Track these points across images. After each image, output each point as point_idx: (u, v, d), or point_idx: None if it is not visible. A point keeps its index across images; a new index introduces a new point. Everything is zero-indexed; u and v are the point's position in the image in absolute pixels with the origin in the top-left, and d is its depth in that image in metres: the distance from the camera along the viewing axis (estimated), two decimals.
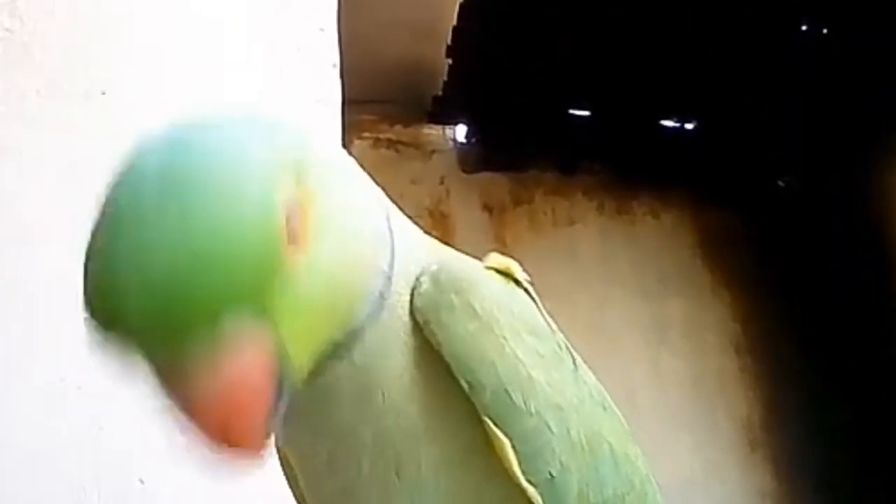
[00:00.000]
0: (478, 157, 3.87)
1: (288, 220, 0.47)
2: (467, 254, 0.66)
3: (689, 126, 4.03)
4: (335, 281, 0.52)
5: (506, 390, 0.58)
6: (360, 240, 0.56)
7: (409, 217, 0.64)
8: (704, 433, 3.71)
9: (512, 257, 0.65)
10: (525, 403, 0.58)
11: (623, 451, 0.66)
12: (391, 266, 0.58)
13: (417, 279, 0.60)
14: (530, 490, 0.58)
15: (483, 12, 3.17)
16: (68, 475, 1.06)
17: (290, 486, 0.74)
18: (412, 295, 0.59)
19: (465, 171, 3.84)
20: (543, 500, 0.59)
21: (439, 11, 3.25)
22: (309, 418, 0.59)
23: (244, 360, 0.46)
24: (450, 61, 3.45)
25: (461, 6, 3.17)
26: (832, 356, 3.88)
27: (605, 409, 0.67)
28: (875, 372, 3.84)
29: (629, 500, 0.65)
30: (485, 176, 3.86)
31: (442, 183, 3.78)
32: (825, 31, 3.36)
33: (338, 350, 0.55)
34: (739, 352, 3.95)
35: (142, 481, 1.08)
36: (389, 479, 0.59)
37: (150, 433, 1.10)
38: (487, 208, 3.81)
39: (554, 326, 0.66)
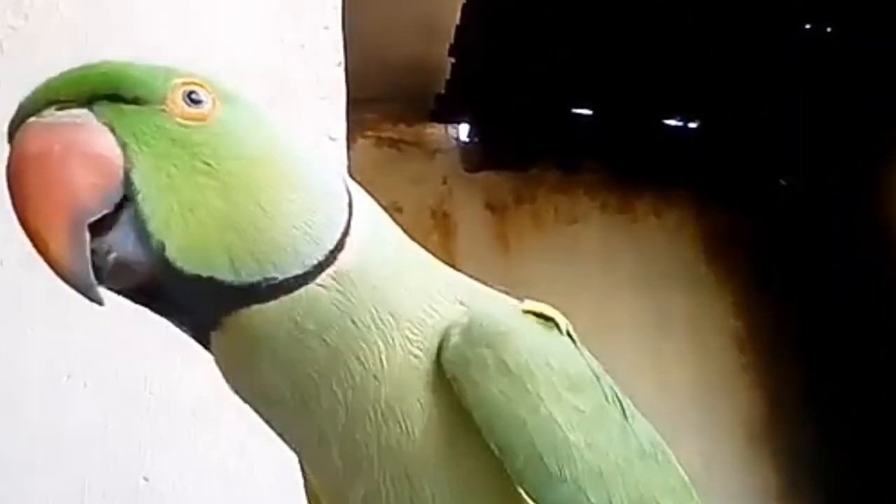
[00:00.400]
0: (480, 156, 3.87)
1: (191, 90, 0.54)
2: (481, 281, 0.63)
3: (691, 125, 4.03)
4: (235, 175, 0.53)
5: (540, 457, 0.53)
6: (284, 173, 0.55)
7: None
8: (706, 430, 3.71)
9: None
10: (560, 471, 0.53)
11: None
12: (339, 245, 0.55)
13: (447, 330, 0.56)
14: None
15: (486, 11, 3.17)
16: (74, 472, 1.06)
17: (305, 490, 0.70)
18: (440, 346, 0.56)
19: (467, 170, 3.84)
20: None
21: (442, 10, 3.26)
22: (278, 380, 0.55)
23: (68, 135, 0.50)
24: (453, 60, 3.46)
25: (464, 5, 3.18)
26: (833, 354, 3.88)
27: (658, 462, 0.61)
28: (875, 369, 3.84)
29: None
30: (487, 175, 3.86)
31: (445, 182, 3.78)
32: (828, 30, 3.36)
33: (246, 285, 0.52)
34: (741, 350, 3.95)
35: (146, 479, 1.08)
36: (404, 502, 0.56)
37: (156, 432, 1.10)
38: (490, 207, 3.81)
39: (600, 372, 0.61)
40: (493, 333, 0.55)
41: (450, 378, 0.55)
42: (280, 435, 0.60)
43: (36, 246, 0.49)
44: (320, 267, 0.54)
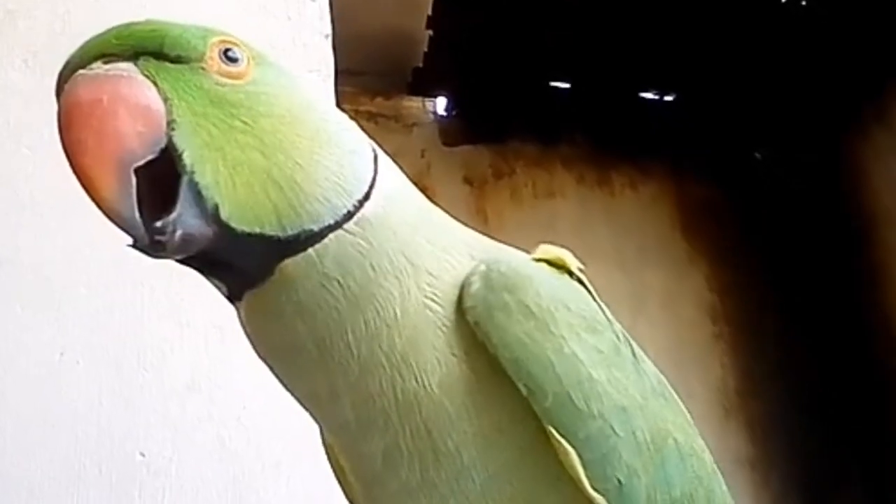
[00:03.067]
0: (458, 130, 3.86)
1: (228, 48, 0.56)
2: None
3: (667, 98, 4.05)
4: (272, 132, 0.55)
5: (568, 394, 0.55)
6: (316, 127, 0.57)
7: None
8: (681, 400, 3.77)
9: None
10: (588, 407, 0.55)
11: (689, 445, 0.62)
12: (367, 195, 0.57)
13: (467, 278, 0.57)
14: (598, 499, 0.55)
15: None
16: (69, 450, 1.05)
17: (329, 459, 0.70)
18: (460, 294, 0.57)
19: (445, 143, 3.83)
20: None
21: None
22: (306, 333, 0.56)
23: (115, 86, 0.53)
24: (430, 33, 3.43)
25: None
26: (806, 325, 3.96)
27: (667, 400, 0.63)
28: (848, 340, 3.92)
29: (698, 497, 0.61)
30: (465, 149, 3.85)
31: (423, 156, 3.77)
32: (803, 3, 3.38)
33: (290, 238, 0.54)
34: (716, 321, 4.01)
35: (143, 454, 1.08)
36: (426, 456, 0.56)
37: (151, 407, 1.10)
38: (468, 181, 3.81)
39: (609, 315, 0.62)
40: (513, 279, 0.56)
41: (472, 324, 0.56)
42: (293, 392, 0.61)
43: (87, 188, 0.51)
44: (348, 215, 0.56)
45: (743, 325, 3.99)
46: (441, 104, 3.93)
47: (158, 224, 0.51)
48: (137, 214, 0.51)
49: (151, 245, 0.52)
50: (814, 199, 4.08)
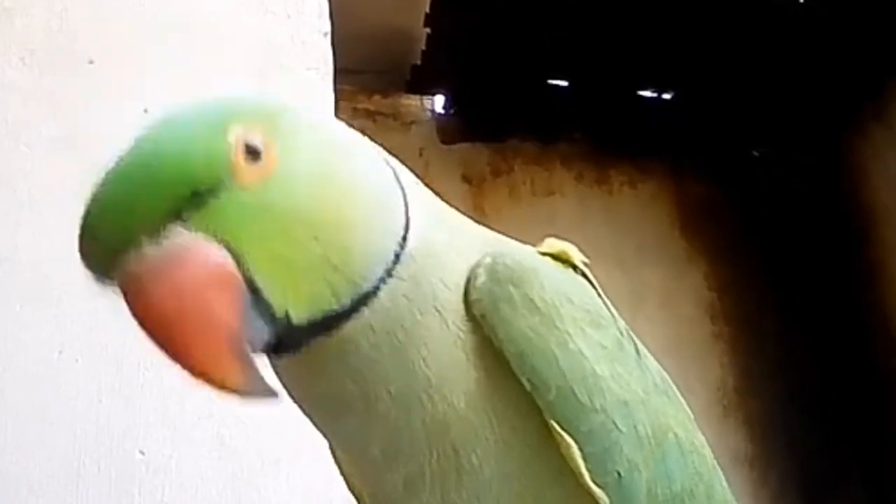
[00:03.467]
0: (457, 128, 3.86)
1: (246, 143, 0.51)
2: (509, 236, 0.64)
3: (666, 97, 4.05)
4: (318, 211, 0.52)
5: (571, 389, 0.55)
6: (351, 181, 0.55)
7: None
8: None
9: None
10: (591, 401, 0.55)
11: (689, 441, 0.63)
12: (406, 227, 0.55)
13: (472, 271, 0.56)
14: (598, 493, 0.55)
15: None
16: (68, 448, 1.05)
17: (345, 480, 0.70)
18: (466, 288, 0.56)
19: (444, 141, 3.83)
20: (612, 502, 0.56)
21: None
22: (343, 393, 0.55)
23: (189, 268, 0.48)
24: (428, 31, 3.43)
25: None
26: (806, 323, 3.96)
27: (669, 397, 0.64)
28: (847, 338, 3.92)
29: (697, 491, 0.62)
30: (464, 147, 3.85)
31: (421, 154, 3.76)
32: (801, 1, 3.38)
33: (347, 308, 0.53)
34: (715, 319, 4.01)
35: (142, 453, 1.08)
36: (450, 477, 0.56)
37: (150, 405, 1.10)
38: (467, 179, 3.81)
39: (613, 311, 0.63)
40: (518, 272, 0.56)
41: (479, 317, 0.56)
42: (324, 433, 0.61)
43: (217, 385, 0.49)
44: (396, 258, 0.55)
45: (742, 324, 3.99)
46: (439, 102, 3.93)
47: None
48: (264, 380, 0.49)
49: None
50: (813, 198, 4.08)
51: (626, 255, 3.92)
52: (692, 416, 0.66)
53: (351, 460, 0.63)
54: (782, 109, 3.95)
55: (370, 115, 3.72)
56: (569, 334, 0.56)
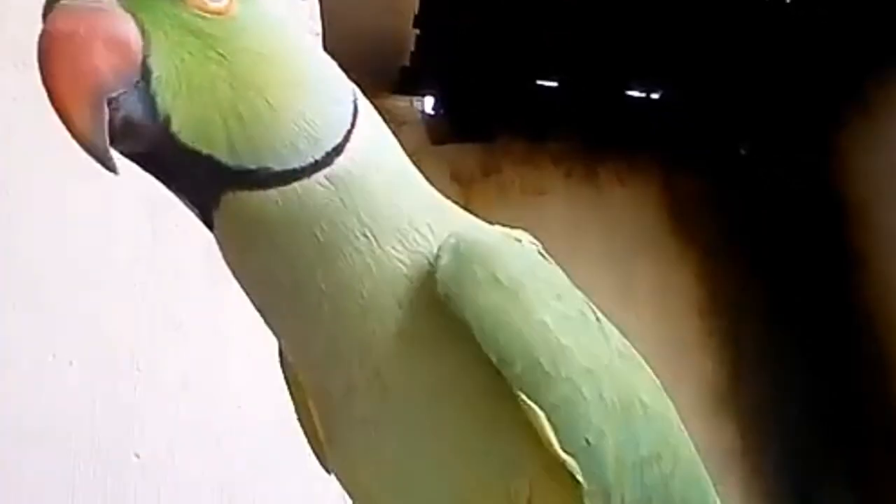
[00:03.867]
0: (446, 129, 3.87)
1: None
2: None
3: (654, 95, 4.07)
4: (247, 66, 0.56)
5: (537, 360, 0.56)
6: (294, 67, 0.59)
7: None
8: (672, 395, 3.78)
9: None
10: (557, 371, 0.57)
11: (655, 406, 0.64)
12: (340, 146, 0.58)
13: (438, 250, 0.59)
14: (568, 460, 0.56)
15: None
16: (63, 450, 1.05)
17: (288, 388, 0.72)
18: (430, 266, 0.58)
19: (433, 142, 3.83)
20: (581, 469, 0.57)
21: None
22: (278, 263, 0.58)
23: (95, 19, 0.54)
24: (417, 32, 3.43)
25: None
26: (795, 318, 3.99)
27: (631, 362, 0.65)
28: (837, 333, 3.95)
29: (665, 457, 0.63)
30: (453, 147, 3.86)
31: (411, 155, 3.77)
32: (787, 1, 3.41)
33: (242, 168, 0.56)
34: (704, 316, 4.03)
35: (137, 455, 1.08)
36: (375, 397, 0.59)
37: (145, 408, 1.10)
38: (457, 179, 3.82)
39: (574, 288, 0.64)
40: (481, 251, 0.58)
41: (443, 297, 0.58)
42: (269, 324, 0.63)
43: (62, 119, 0.52)
44: (316, 166, 0.58)
45: (732, 320, 4.01)
46: (428, 103, 3.93)
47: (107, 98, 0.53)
48: (108, 145, 0.53)
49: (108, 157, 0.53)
50: (801, 194, 4.11)
51: (617, 252, 3.94)
52: (656, 380, 0.68)
53: (299, 363, 0.65)
54: (769, 107, 3.98)
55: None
56: (533, 308, 0.57)
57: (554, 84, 3.87)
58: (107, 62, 0.53)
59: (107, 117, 0.52)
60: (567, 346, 0.58)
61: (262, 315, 0.63)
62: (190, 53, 0.56)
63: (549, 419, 0.56)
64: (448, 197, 0.66)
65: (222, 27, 0.57)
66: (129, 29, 0.55)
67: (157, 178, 0.60)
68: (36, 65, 0.53)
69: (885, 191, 3.66)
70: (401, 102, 3.84)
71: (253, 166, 0.56)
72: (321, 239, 0.57)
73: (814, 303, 4.01)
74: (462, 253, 0.58)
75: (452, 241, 0.59)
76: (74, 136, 0.53)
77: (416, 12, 3.30)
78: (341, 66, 0.64)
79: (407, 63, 3.61)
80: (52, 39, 0.53)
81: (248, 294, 0.62)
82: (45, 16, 0.55)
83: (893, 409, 3.69)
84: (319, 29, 1.33)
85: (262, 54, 0.58)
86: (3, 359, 1.07)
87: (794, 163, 4.10)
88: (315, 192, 0.57)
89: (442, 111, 3.93)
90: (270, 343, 1.16)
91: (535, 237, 0.67)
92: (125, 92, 0.53)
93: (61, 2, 0.54)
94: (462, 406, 0.59)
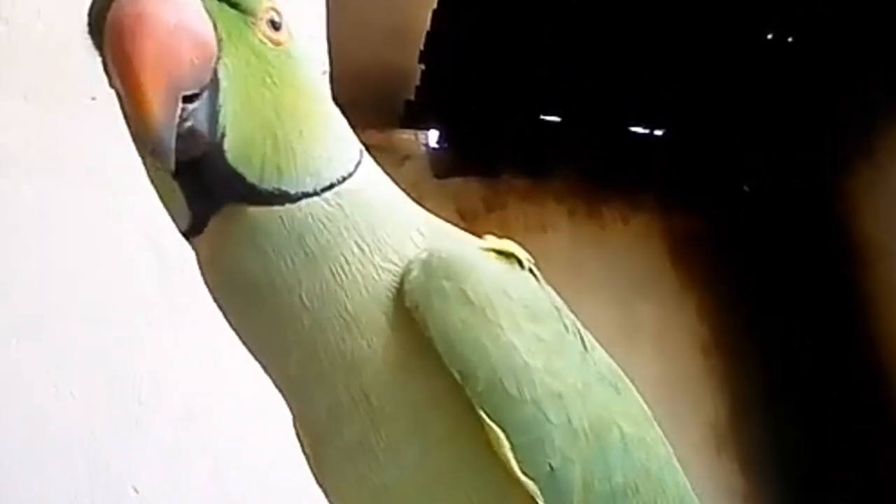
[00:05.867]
0: (450, 163, 3.89)
1: (276, 11, 0.60)
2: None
3: (658, 132, 4.09)
4: (290, 98, 0.59)
5: (500, 380, 0.55)
6: (325, 105, 0.63)
7: None
8: (673, 433, 3.70)
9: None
10: (520, 393, 0.55)
11: (638, 436, 0.62)
12: (350, 173, 0.61)
13: (409, 263, 0.59)
14: (529, 484, 0.55)
15: (456, 18, 3.19)
16: (62, 483, 1.05)
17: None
18: (402, 279, 0.58)
19: (437, 176, 3.85)
20: (543, 494, 0.56)
21: (412, 17, 3.26)
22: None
23: (180, 12, 0.52)
24: (422, 66, 3.47)
25: (434, 12, 3.19)
26: (797, 357, 3.97)
27: (618, 391, 0.63)
28: (841, 373, 3.93)
29: (643, 487, 0.61)
30: (457, 181, 3.87)
31: (415, 189, 3.78)
32: (789, 40, 3.44)
33: (263, 190, 0.57)
34: (707, 354, 4.01)
35: (136, 489, 1.07)
36: (365, 421, 0.58)
37: (144, 440, 1.09)
38: (461, 214, 3.83)
39: (561, 306, 0.63)
40: (452, 266, 0.58)
41: (411, 309, 0.57)
42: (246, 344, 0.62)
43: (133, 103, 0.50)
44: (329, 188, 0.60)
45: (734, 358, 3.99)
46: (433, 137, 3.96)
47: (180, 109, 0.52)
48: (174, 145, 0.51)
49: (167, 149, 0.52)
50: (803, 233, 4.11)
51: (619, 289, 3.93)
52: (648, 413, 0.66)
53: (277, 381, 0.64)
54: (772, 146, 4.00)
55: (365, 148, 3.74)
56: (501, 327, 0.56)
57: (557, 120, 3.90)
58: (189, 57, 0.52)
59: (178, 116, 0.52)
60: (535, 368, 0.57)
61: (239, 335, 0.62)
62: (252, 74, 0.57)
63: (509, 440, 0.55)
64: None
65: (278, 56, 0.59)
66: (210, 31, 0.55)
67: (178, 177, 0.58)
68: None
69: (891, 231, 3.67)
70: (406, 136, 3.86)
71: (272, 188, 0.58)
72: (312, 249, 0.58)
73: (817, 342, 3.99)
74: (432, 266, 0.58)
75: (424, 255, 0.59)
76: (143, 124, 0.50)
77: (422, 48, 3.34)
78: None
79: (412, 97, 3.64)
80: (138, 16, 0.50)
81: (226, 313, 0.62)
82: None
83: None
84: (327, 67, 1.34)
85: (302, 87, 0.61)
86: (6, 390, 1.07)
87: (798, 202, 4.11)
88: (318, 206, 0.59)
89: (446, 145, 3.95)
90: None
91: (487, 236, 0.67)
92: (196, 95, 0.53)
93: None
94: (451, 426, 0.58)
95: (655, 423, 0.66)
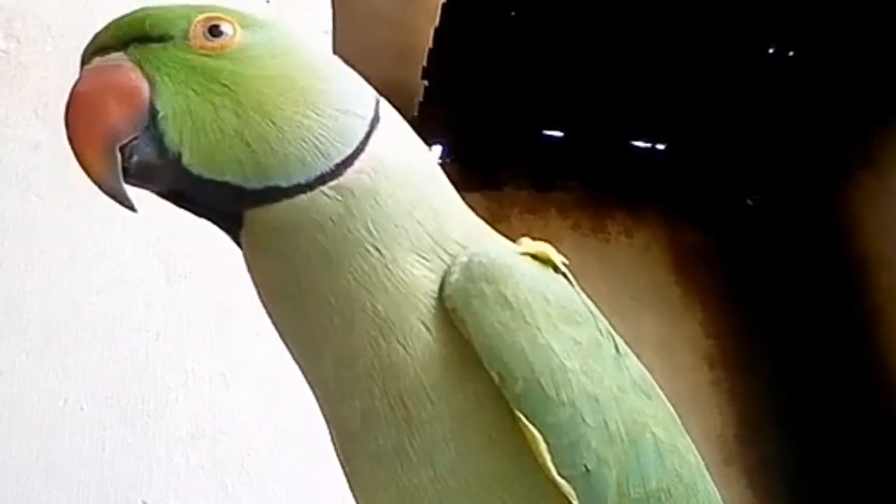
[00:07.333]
0: (454, 177, 3.88)
1: (214, 24, 0.61)
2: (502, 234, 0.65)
3: (660, 147, 4.11)
4: (249, 92, 0.59)
5: (538, 381, 0.56)
6: (300, 83, 0.61)
7: None
8: None
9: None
10: (558, 394, 0.56)
11: (670, 442, 0.62)
12: (355, 154, 0.59)
13: (449, 267, 0.59)
14: (564, 485, 0.55)
15: (459, 35, 3.22)
16: (72, 497, 1.05)
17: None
18: (442, 283, 0.58)
19: None
20: (578, 496, 0.56)
21: (415, 34, 3.29)
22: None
23: (106, 76, 0.60)
24: (425, 83, 3.48)
25: (437, 29, 3.21)
26: (803, 370, 3.96)
27: (650, 397, 0.63)
28: (845, 384, 3.92)
29: (676, 493, 0.61)
30: (461, 196, 3.88)
31: None
32: (791, 54, 3.46)
33: (257, 188, 0.58)
34: (712, 367, 4.00)
35: (145, 503, 1.07)
36: (402, 427, 0.58)
37: (154, 454, 1.09)
38: None
39: (595, 310, 0.64)
40: (492, 270, 0.58)
41: (450, 311, 0.57)
42: (288, 348, 0.63)
43: (83, 168, 0.58)
44: (322, 179, 0.59)
45: (740, 371, 3.98)
46: (437, 152, 3.97)
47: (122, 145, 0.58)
48: (123, 185, 0.58)
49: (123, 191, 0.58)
50: (806, 245, 4.11)
51: (623, 303, 3.93)
52: (677, 419, 0.66)
53: (312, 383, 0.63)
54: (774, 159, 4.01)
55: None
56: (539, 329, 0.57)
57: (560, 135, 3.92)
58: (117, 113, 0.58)
59: (120, 162, 0.57)
60: (572, 370, 0.57)
61: (283, 339, 0.63)
62: (194, 90, 0.59)
63: (546, 441, 0.55)
64: None
65: (225, 60, 0.60)
66: (135, 79, 0.59)
67: (188, 209, 0.64)
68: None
69: (894, 241, 3.67)
70: None
71: (263, 185, 0.58)
72: (326, 248, 0.58)
73: (822, 354, 3.98)
74: (473, 269, 0.58)
75: (464, 258, 0.59)
76: (94, 182, 0.58)
77: (425, 64, 3.36)
78: None
79: (415, 113, 3.66)
80: (73, 99, 0.59)
81: (269, 315, 0.63)
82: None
83: None
84: None
85: (266, 77, 0.60)
86: (16, 403, 1.07)
87: (800, 214, 4.12)
88: (321, 203, 0.58)
89: (450, 160, 3.97)
90: (280, 391, 1.16)
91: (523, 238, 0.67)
92: (137, 137, 0.58)
93: (85, 67, 0.62)
94: (488, 430, 0.58)
95: (685, 432, 0.66)
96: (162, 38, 0.61)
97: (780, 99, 3.63)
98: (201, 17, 0.61)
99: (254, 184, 0.58)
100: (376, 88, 0.70)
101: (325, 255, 0.58)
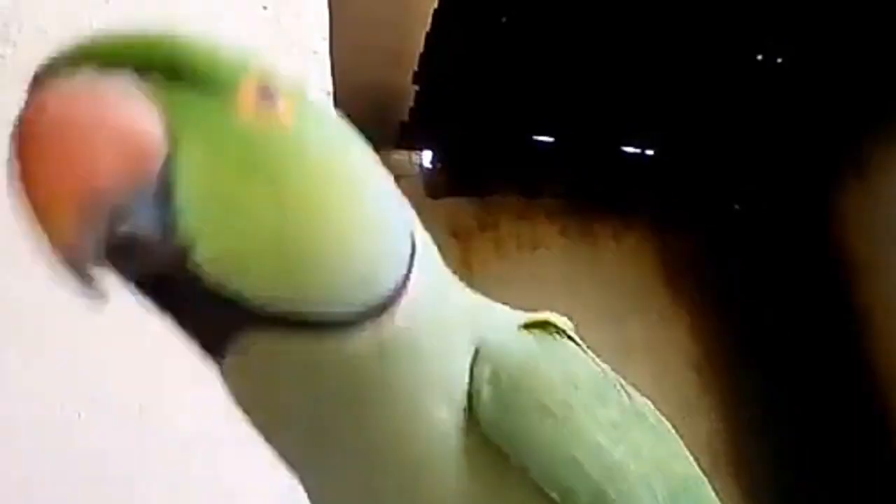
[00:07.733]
0: (444, 183, 3.91)
1: (264, 82, 0.45)
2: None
3: (649, 152, 4.13)
4: (302, 194, 0.45)
5: (602, 490, 0.52)
6: (354, 203, 0.47)
7: None
8: None
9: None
10: (618, 490, 0.53)
11: (690, 475, 0.62)
12: (403, 284, 0.48)
13: (475, 384, 0.52)
14: None
15: (449, 40, 3.22)
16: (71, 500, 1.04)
17: None
18: (470, 395, 0.52)
19: (431, 196, 3.87)
20: None
21: (406, 38, 3.29)
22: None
23: (105, 104, 0.41)
24: (416, 88, 3.49)
25: (428, 34, 3.22)
26: (791, 376, 3.98)
27: (664, 438, 0.62)
28: (835, 391, 3.95)
29: None
30: (451, 201, 3.89)
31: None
32: (779, 61, 3.49)
33: (277, 313, 0.45)
34: (700, 373, 4.02)
35: None
36: None
37: (152, 462, 1.09)
38: (454, 234, 3.84)
39: (602, 365, 0.60)
40: (522, 377, 0.53)
41: (487, 432, 0.51)
42: (288, 462, 0.56)
43: (40, 228, 0.41)
44: (360, 317, 0.47)
45: (728, 378, 4.00)
46: (427, 157, 3.98)
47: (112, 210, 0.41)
48: (98, 263, 0.41)
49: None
50: (795, 251, 4.14)
51: (612, 308, 3.94)
52: (677, 437, 0.65)
53: (313, 497, 0.58)
54: (763, 165, 4.04)
55: None
56: (584, 429, 0.53)
57: (549, 140, 3.93)
58: (112, 164, 0.40)
59: (102, 234, 0.40)
60: (622, 461, 0.54)
61: (283, 459, 0.56)
62: (231, 169, 0.43)
63: None
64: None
65: (280, 142, 0.45)
66: (148, 123, 0.42)
67: (159, 308, 0.48)
68: None
69: (885, 248, 3.70)
70: (399, 157, 3.88)
71: (285, 310, 0.45)
72: (356, 391, 0.48)
73: (812, 360, 4.01)
74: (503, 383, 0.52)
75: (488, 372, 0.52)
76: (55, 251, 0.41)
77: (416, 69, 3.37)
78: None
79: (406, 118, 3.66)
80: (43, 122, 0.40)
81: (267, 441, 0.54)
82: (33, 86, 0.43)
83: None
84: (330, 87, 1.35)
85: (322, 180, 0.46)
86: (11, 410, 1.06)
87: (790, 220, 4.15)
88: (355, 348, 0.47)
89: (440, 166, 3.97)
90: None
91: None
92: (132, 204, 0.41)
93: (63, 73, 0.42)
94: None
95: (692, 461, 0.65)
96: (204, 83, 0.44)
97: (769, 105, 3.66)
98: (259, 72, 0.46)
99: (274, 308, 0.45)
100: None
101: (351, 398, 0.48)
